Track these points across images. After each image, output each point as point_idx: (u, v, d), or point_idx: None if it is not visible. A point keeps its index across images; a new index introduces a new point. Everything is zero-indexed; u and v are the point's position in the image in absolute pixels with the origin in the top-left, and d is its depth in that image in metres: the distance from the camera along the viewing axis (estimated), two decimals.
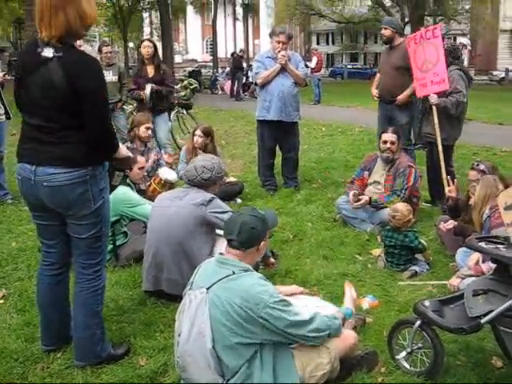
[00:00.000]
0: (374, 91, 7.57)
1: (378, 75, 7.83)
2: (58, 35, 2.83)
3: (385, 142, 6.03)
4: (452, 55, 6.41)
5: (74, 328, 3.36)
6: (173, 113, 10.11)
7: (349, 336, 3.18)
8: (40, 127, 2.95)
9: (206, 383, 2.85)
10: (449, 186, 5.65)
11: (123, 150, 3.31)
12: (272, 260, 4.70)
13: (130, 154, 3.49)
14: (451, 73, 6.28)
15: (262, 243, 3.04)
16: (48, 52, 2.84)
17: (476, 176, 5.06)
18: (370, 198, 5.87)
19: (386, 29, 7.30)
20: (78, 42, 7.83)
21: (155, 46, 8.16)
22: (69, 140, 2.94)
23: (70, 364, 3.39)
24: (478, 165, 5.18)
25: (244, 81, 23.39)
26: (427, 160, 6.76)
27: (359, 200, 5.86)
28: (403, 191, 5.82)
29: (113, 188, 3.91)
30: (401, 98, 7.08)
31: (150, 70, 8.05)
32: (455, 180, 5.73)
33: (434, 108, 6.18)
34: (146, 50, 7.97)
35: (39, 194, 3.04)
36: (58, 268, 3.39)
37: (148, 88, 7.91)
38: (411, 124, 7.24)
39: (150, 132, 6.67)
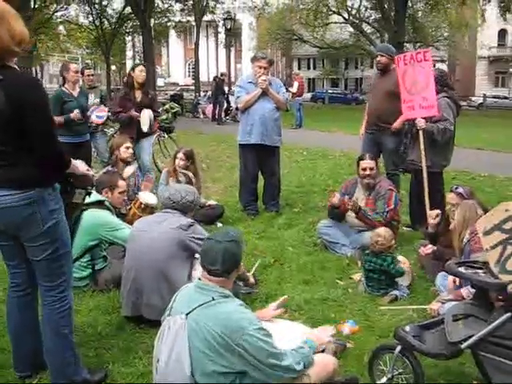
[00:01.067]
0: (362, 130, 7.54)
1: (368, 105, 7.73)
2: None
3: (364, 169, 6.01)
4: (440, 83, 6.31)
5: (45, 351, 3.30)
6: (154, 136, 10.09)
7: (329, 362, 3.16)
8: None
9: None
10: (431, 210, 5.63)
11: (80, 167, 3.30)
12: (252, 280, 4.76)
13: (89, 173, 3.47)
14: (439, 100, 6.21)
15: (242, 264, 3.07)
16: None
17: (454, 199, 5.08)
18: (360, 206, 5.83)
19: (382, 56, 7.17)
20: (74, 67, 7.74)
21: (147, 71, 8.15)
22: (14, 162, 2.93)
23: None
24: (456, 188, 5.21)
25: (225, 105, 23.46)
26: (411, 185, 6.77)
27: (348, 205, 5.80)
28: (385, 213, 5.82)
29: (76, 206, 3.81)
30: (396, 125, 6.84)
31: (138, 95, 8.01)
32: (444, 209, 5.64)
33: (420, 133, 6.16)
34: (142, 74, 7.91)
35: None
36: (25, 289, 3.35)
37: (146, 114, 7.84)
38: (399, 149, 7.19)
39: (131, 151, 6.64)
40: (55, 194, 3.13)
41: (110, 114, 8.20)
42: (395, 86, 6.65)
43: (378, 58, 7.28)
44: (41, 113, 2.93)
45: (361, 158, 6.15)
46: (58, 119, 6.91)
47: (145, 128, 7.90)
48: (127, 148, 6.56)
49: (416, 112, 6.26)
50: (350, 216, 5.99)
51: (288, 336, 3.27)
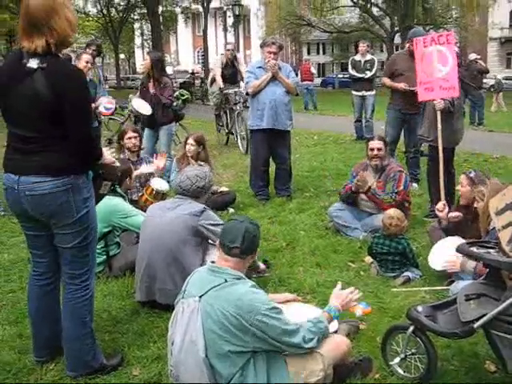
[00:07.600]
0: (402, 84, 7.74)
1: (387, 80, 8.06)
2: (42, 45, 2.85)
3: (372, 150, 6.03)
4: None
5: (64, 338, 3.34)
6: (171, 125, 10.04)
7: (342, 342, 3.18)
8: (24, 137, 2.97)
9: None
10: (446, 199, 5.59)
11: (108, 158, 3.34)
12: (262, 266, 4.78)
13: (116, 164, 3.51)
14: None
15: (258, 249, 3.10)
16: (33, 63, 2.86)
17: (464, 181, 5.02)
18: (370, 186, 5.86)
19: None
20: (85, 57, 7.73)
21: (152, 61, 7.89)
22: (52, 149, 2.96)
23: (62, 375, 3.37)
24: (470, 173, 5.16)
25: None
26: (427, 166, 6.72)
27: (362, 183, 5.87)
28: (394, 194, 5.85)
29: (100, 197, 3.91)
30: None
31: (151, 84, 8.01)
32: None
33: (438, 113, 6.11)
34: (141, 64, 7.91)
35: (23, 204, 3.05)
36: (48, 278, 3.39)
37: (134, 103, 7.80)
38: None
39: (134, 141, 6.52)
40: (88, 182, 3.18)
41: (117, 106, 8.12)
42: None
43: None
44: (80, 102, 2.96)
45: (370, 139, 6.18)
46: None
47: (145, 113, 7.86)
48: (129, 138, 6.52)
49: (436, 93, 6.21)
50: (363, 199, 6.01)
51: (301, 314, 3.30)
